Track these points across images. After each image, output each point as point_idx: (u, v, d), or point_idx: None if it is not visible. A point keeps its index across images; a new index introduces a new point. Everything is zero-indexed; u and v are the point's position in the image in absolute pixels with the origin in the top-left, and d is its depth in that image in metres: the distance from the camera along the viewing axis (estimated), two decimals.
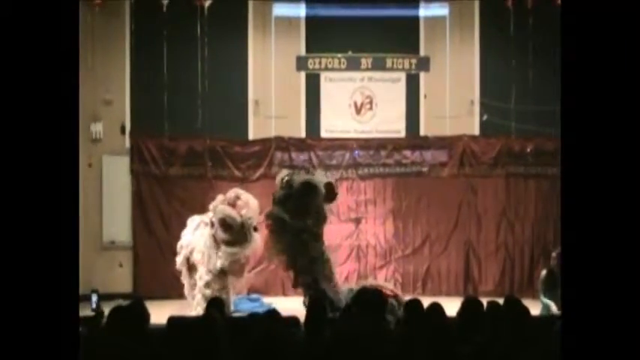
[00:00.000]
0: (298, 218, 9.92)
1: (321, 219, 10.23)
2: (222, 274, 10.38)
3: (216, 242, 10.37)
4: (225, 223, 10.24)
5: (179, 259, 10.91)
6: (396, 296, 9.81)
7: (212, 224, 10.37)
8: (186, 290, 10.96)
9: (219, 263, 10.29)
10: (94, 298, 8.13)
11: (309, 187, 9.99)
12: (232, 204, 10.52)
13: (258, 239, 10.60)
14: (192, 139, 12.81)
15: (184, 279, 10.98)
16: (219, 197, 10.73)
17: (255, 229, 10.54)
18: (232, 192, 10.77)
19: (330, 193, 10.27)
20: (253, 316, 5.39)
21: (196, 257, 10.58)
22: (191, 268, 10.82)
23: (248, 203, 10.57)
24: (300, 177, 10.24)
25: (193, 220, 11.01)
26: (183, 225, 12.41)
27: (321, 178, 10.48)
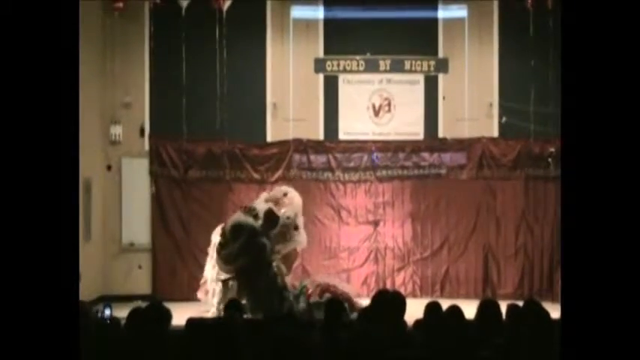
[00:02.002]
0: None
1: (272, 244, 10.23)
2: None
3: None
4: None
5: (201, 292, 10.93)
6: (348, 299, 9.73)
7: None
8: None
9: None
10: (107, 311, 7.98)
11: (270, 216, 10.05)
12: (276, 201, 10.52)
13: (302, 237, 10.62)
14: (210, 142, 12.84)
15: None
16: (263, 195, 10.78)
17: (296, 227, 10.56)
18: (280, 189, 10.80)
19: (271, 218, 10.18)
20: (270, 318, 5.40)
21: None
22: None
23: (293, 201, 10.59)
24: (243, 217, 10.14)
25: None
26: (201, 227, 12.49)
27: (262, 206, 10.48)
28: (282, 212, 10.38)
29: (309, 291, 10.05)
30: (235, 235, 9.90)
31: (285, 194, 10.63)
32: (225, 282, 10.23)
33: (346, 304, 9.31)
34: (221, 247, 10.06)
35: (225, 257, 9.97)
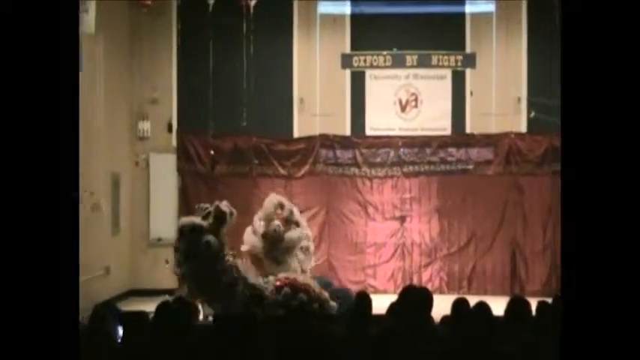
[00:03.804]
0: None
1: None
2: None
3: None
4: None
5: None
6: (307, 291, 9.54)
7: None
8: None
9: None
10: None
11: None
12: (282, 218, 10.41)
13: (300, 232, 10.52)
14: (237, 137, 12.89)
15: None
16: (256, 217, 10.62)
17: (297, 223, 10.49)
18: (271, 203, 10.60)
19: (218, 215, 9.77)
20: (292, 312, 5.40)
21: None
22: None
23: (291, 208, 10.53)
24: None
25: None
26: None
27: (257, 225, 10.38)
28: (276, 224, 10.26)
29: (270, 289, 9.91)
30: (181, 237, 9.81)
31: (280, 206, 10.49)
32: (182, 283, 10.07)
33: (304, 295, 9.34)
34: (175, 250, 9.99)
35: (177, 261, 9.88)
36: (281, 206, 10.47)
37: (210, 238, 9.64)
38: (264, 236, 10.28)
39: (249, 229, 10.54)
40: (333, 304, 9.67)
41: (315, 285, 9.93)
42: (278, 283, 9.70)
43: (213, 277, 9.54)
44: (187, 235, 9.63)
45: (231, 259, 9.81)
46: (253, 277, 9.77)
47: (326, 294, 9.80)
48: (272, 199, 10.61)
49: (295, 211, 10.64)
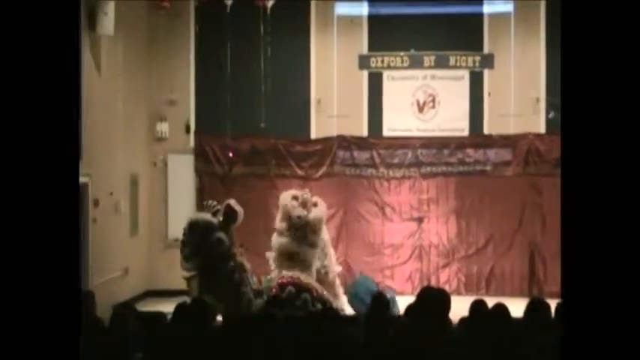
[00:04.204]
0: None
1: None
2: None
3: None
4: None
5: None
6: (310, 290, 9.74)
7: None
8: None
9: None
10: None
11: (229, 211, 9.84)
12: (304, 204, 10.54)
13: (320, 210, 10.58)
14: (254, 138, 12.92)
15: None
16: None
17: (315, 204, 10.55)
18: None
19: (229, 213, 9.88)
20: (311, 314, 5.40)
21: None
22: None
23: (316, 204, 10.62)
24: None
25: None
26: (245, 223, 12.54)
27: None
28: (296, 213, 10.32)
29: (273, 287, 9.95)
30: (191, 232, 9.81)
31: (294, 198, 10.52)
32: (188, 280, 10.09)
33: (307, 295, 9.61)
34: (182, 245, 10.02)
35: (184, 255, 9.91)
36: (294, 197, 10.55)
37: (222, 235, 9.70)
38: (290, 228, 10.31)
39: (274, 237, 10.59)
40: (335, 304, 9.75)
41: (317, 285, 10.02)
42: (280, 281, 9.78)
43: (223, 276, 9.59)
44: (198, 231, 9.67)
45: (239, 257, 9.88)
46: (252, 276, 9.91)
47: (327, 295, 9.89)
48: (284, 196, 10.69)
49: (307, 193, 10.70)
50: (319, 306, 9.54)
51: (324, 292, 10.02)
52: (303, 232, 10.30)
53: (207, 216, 9.86)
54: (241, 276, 9.76)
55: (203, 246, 9.68)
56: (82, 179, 9.96)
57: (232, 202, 10.02)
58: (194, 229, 9.76)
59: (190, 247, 9.79)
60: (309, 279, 10.11)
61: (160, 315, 5.36)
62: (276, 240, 10.46)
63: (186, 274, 10.00)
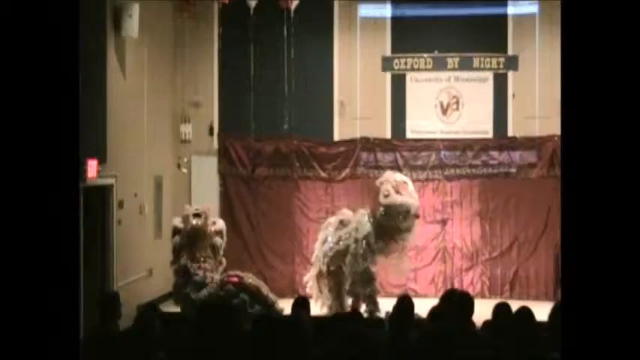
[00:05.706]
0: None
1: None
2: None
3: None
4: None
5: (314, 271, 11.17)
6: (252, 292, 10.32)
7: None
8: (315, 296, 11.07)
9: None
10: None
11: None
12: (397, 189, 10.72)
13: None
14: (278, 140, 12.95)
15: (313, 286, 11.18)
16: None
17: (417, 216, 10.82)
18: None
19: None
20: (337, 317, 5.40)
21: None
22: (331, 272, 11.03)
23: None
24: None
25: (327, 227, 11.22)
26: (268, 225, 12.66)
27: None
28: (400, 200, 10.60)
29: (215, 282, 10.60)
30: (177, 232, 10.85)
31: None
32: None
33: (246, 296, 10.16)
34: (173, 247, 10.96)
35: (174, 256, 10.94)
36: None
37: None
38: (388, 211, 10.64)
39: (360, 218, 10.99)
40: (280, 308, 10.08)
41: (265, 288, 10.56)
42: (226, 279, 10.30)
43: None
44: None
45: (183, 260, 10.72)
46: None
47: (273, 298, 10.42)
48: (387, 176, 11.02)
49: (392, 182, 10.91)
50: (258, 308, 10.07)
51: (270, 296, 10.47)
52: (404, 217, 10.77)
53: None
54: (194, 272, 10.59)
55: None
56: (107, 181, 10.04)
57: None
58: (177, 230, 10.88)
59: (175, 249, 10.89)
60: (256, 281, 10.66)
61: (184, 315, 5.38)
62: (362, 226, 10.86)
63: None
